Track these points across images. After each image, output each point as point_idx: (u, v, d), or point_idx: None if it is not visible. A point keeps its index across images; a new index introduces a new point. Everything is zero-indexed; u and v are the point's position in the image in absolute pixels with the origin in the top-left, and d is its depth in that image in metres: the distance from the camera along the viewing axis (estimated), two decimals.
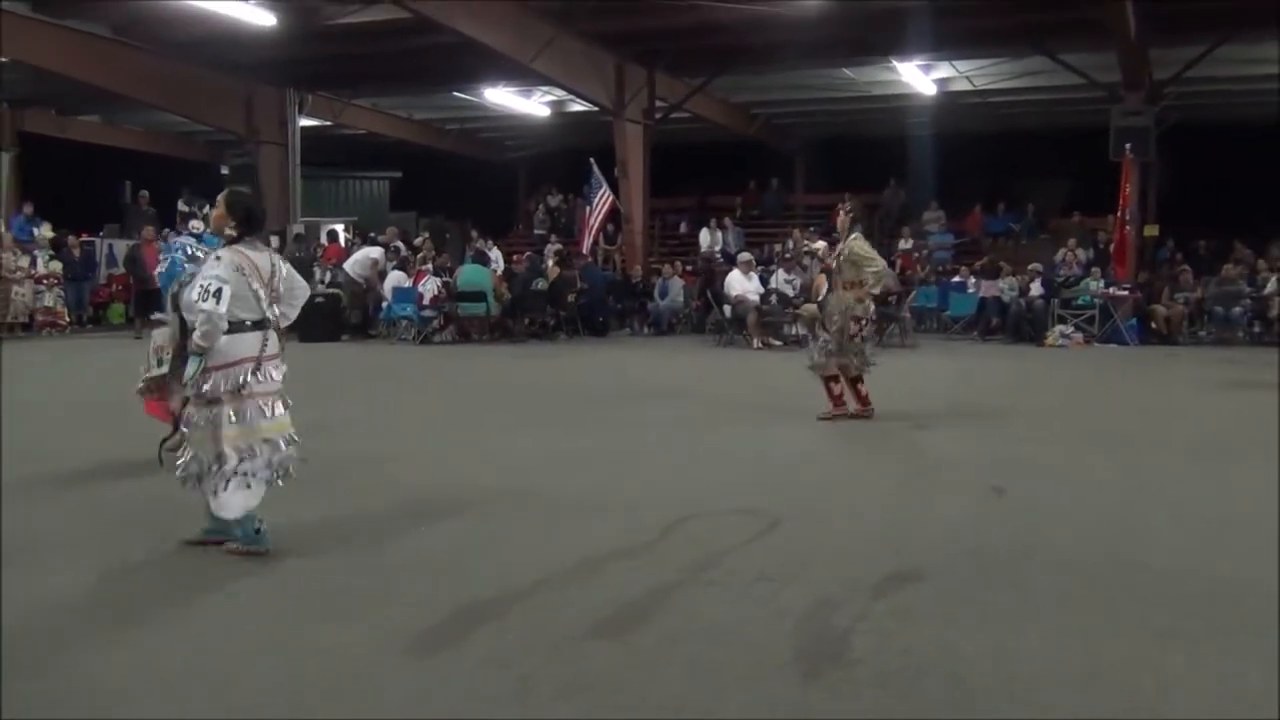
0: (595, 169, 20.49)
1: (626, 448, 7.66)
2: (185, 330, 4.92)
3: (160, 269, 6.59)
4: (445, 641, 3.78)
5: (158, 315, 7.12)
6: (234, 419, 4.72)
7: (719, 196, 26.37)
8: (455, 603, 4.14)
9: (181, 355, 4.89)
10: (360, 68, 20.75)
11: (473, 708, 3.25)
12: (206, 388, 4.70)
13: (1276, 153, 19.93)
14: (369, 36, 17.87)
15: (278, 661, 3.61)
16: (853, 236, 8.49)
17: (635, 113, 20.94)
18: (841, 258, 8.56)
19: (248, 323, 4.77)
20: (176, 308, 5.57)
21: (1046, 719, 3.17)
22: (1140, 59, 17.24)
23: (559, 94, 22.60)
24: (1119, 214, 17.43)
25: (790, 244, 19.74)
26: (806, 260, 15.78)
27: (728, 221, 23.87)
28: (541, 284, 17.98)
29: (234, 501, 4.72)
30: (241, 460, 4.71)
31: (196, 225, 6.52)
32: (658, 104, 21.46)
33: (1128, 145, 16.81)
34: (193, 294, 4.70)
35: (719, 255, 22.00)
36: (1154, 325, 17.12)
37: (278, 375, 4.89)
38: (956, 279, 19.73)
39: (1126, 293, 17.05)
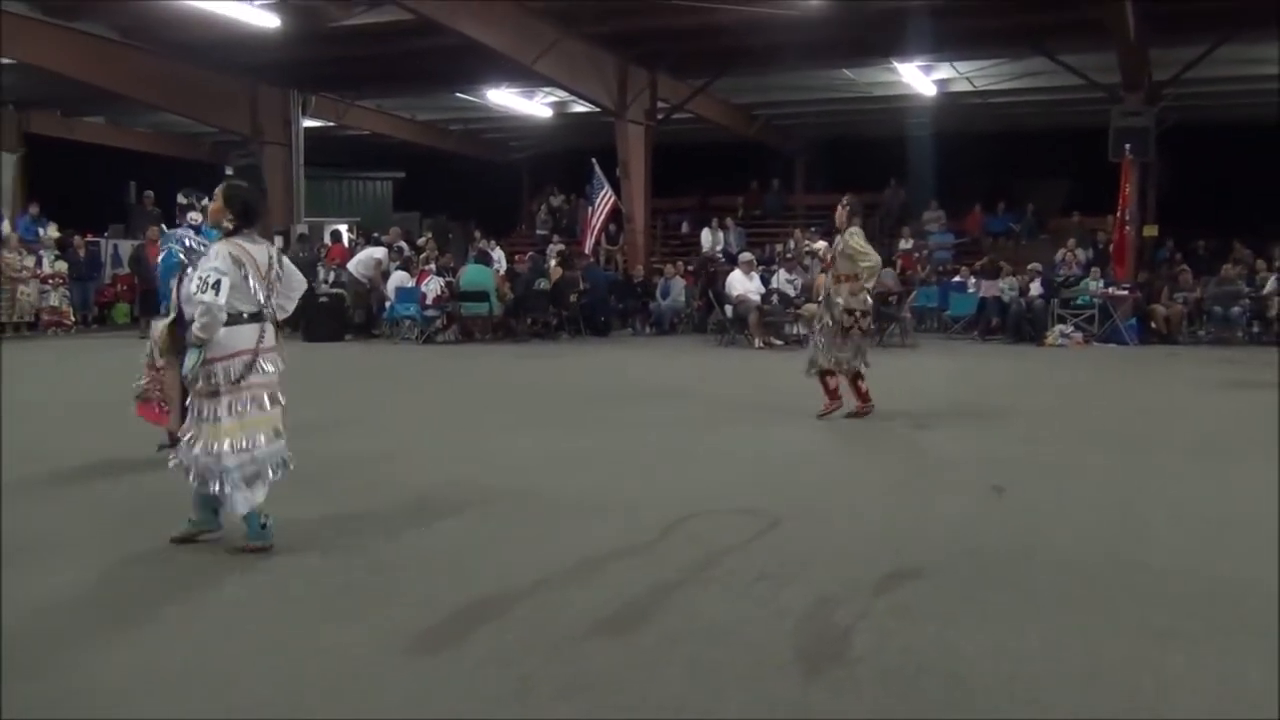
0: (597, 169, 20.54)
1: (627, 447, 7.68)
2: (182, 322, 4.94)
3: (158, 259, 6.63)
4: (445, 641, 3.79)
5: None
6: (231, 411, 4.75)
7: (720, 197, 26.41)
8: (455, 602, 4.15)
9: (180, 347, 4.89)
10: (364, 69, 20.81)
11: (473, 707, 3.25)
12: (205, 379, 4.73)
13: (1276, 153, 19.95)
14: (373, 38, 17.92)
15: (278, 661, 3.61)
16: (850, 231, 8.55)
17: (637, 114, 20.99)
18: (838, 251, 8.64)
19: (245, 315, 4.80)
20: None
21: (1046, 719, 3.18)
22: (1140, 60, 17.26)
23: (561, 95, 22.62)
24: (1118, 214, 17.47)
25: (791, 244, 19.79)
26: (808, 260, 15.84)
27: (729, 222, 23.91)
28: (544, 284, 18.05)
29: (238, 498, 4.76)
30: (238, 453, 4.74)
31: (195, 217, 6.53)
32: (659, 105, 21.50)
33: (1127, 146, 16.83)
34: (191, 286, 4.72)
35: (720, 255, 22.05)
36: (1153, 325, 17.15)
37: (273, 368, 4.93)
38: (957, 279, 19.76)
39: (1126, 292, 17.08)
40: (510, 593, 4.25)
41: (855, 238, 8.52)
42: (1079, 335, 16.75)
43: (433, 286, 17.26)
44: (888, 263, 19.34)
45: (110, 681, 3.45)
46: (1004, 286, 18.27)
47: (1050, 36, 17.64)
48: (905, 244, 22.16)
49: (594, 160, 20.63)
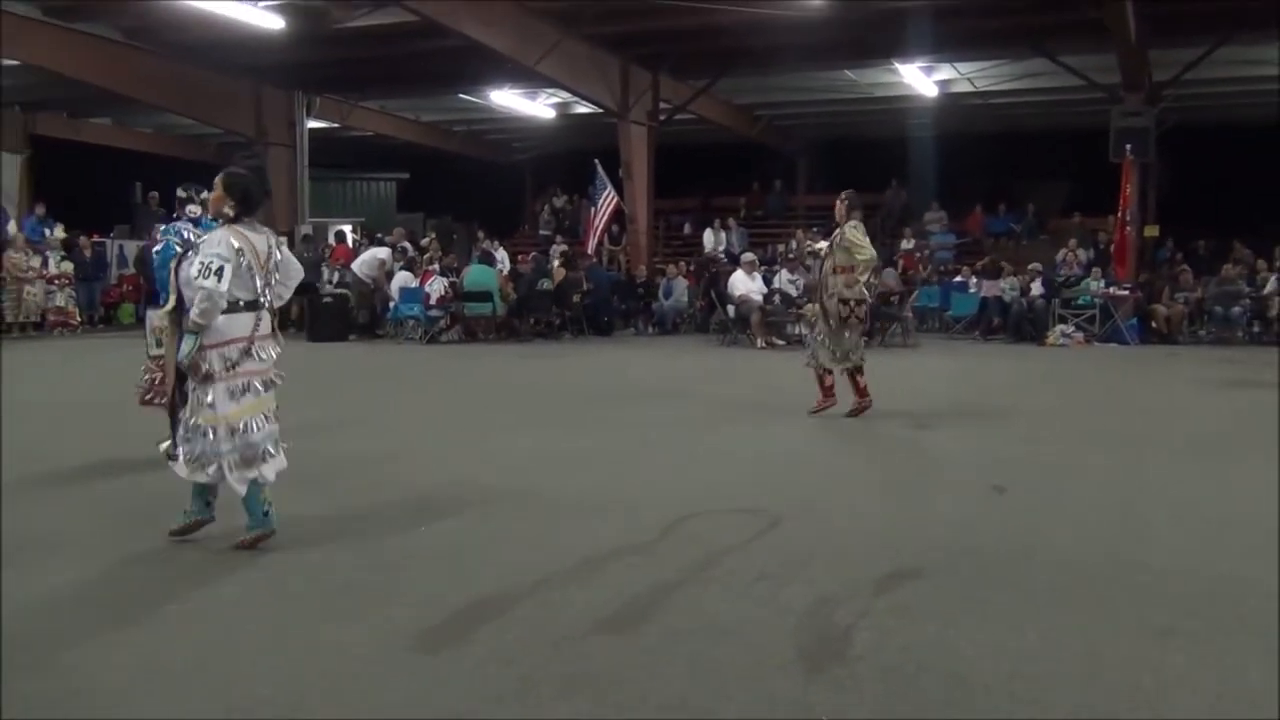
0: (600, 170, 20.58)
1: (629, 447, 7.70)
2: (182, 307, 4.96)
3: (156, 248, 6.68)
4: (446, 640, 3.79)
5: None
6: (226, 397, 4.79)
7: (723, 197, 26.46)
8: (456, 601, 4.15)
9: (177, 332, 4.92)
10: (368, 70, 20.89)
11: (474, 706, 3.25)
12: (201, 365, 4.77)
13: (1276, 153, 19.97)
14: (376, 40, 17.97)
15: (278, 660, 3.61)
16: (849, 224, 8.63)
17: (640, 114, 21.03)
18: (835, 243, 8.71)
19: (242, 303, 4.83)
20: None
21: (1047, 718, 3.19)
22: (1140, 60, 17.28)
23: (564, 96, 22.70)
24: (1119, 214, 17.50)
25: (793, 244, 19.83)
26: (810, 261, 15.87)
27: (731, 222, 23.96)
28: (547, 284, 18.11)
29: (234, 478, 4.80)
30: (233, 437, 4.78)
31: (194, 210, 6.57)
32: (662, 106, 21.53)
33: (1128, 146, 16.86)
34: (192, 270, 4.72)
35: (723, 256, 22.09)
36: (1154, 325, 17.17)
37: (269, 355, 4.96)
38: (958, 279, 19.77)
39: (1127, 292, 17.11)
40: (511, 592, 4.25)
41: (853, 231, 8.59)
42: (1080, 335, 16.78)
43: (436, 287, 17.30)
44: (889, 263, 19.49)
45: (110, 681, 3.45)
46: (1005, 286, 18.30)
47: (1051, 37, 17.67)
48: (907, 244, 22.21)
49: (597, 161, 20.67)
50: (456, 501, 5.86)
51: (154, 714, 3.23)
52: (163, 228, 6.70)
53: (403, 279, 17.91)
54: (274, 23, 16.41)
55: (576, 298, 18.58)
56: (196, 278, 4.66)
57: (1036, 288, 17.86)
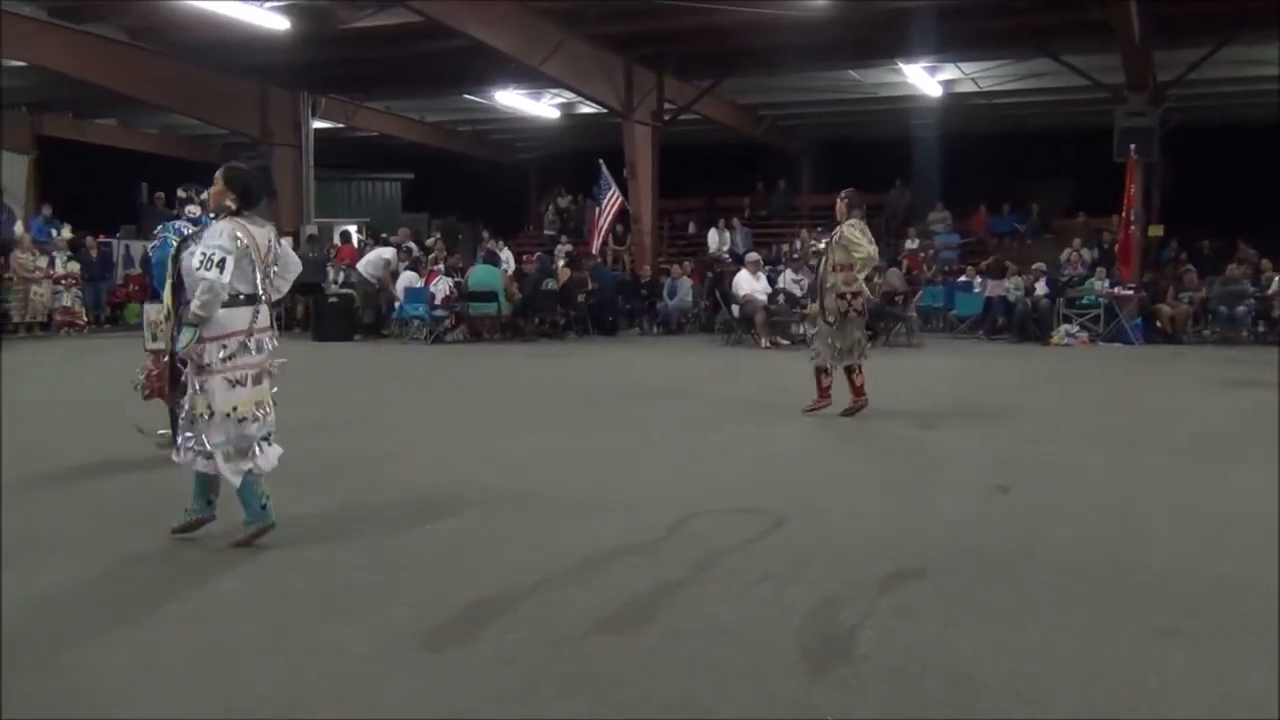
0: (604, 170, 20.62)
1: (632, 447, 7.71)
2: (179, 298, 4.98)
3: (152, 245, 6.70)
4: (448, 640, 3.80)
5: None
6: (222, 389, 4.80)
7: (727, 197, 26.47)
8: (458, 601, 4.16)
9: (176, 324, 4.93)
10: (373, 71, 20.92)
11: (476, 706, 3.26)
12: (198, 357, 4.79)
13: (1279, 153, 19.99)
14: (381, 40, 17.99)
15: (279, 660, 3.62)
16: (848, 222, 8.68)
17: (644, 115, 21.04)
18: (834, 241, 8.75)
19: (241, 296, 4.84)
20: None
21: (1049, 718, 3.20)
22: (1144, 60, 17.26)
23: (569, 96, 22.71)
24: (1124, 214, 17.50)
25: (798, 244, 19.84)
26: (814, 261, 15.88)
27: (736, 222, 23.96)
28: (552, 284, 18.13)
29: (228, 469, 4.82)
30: (227, 429, 4.81)
31: (193, 210, 6.61)
32: (666, 106, 21.55)
33: (1132, 146, 16.85)
34: (194, 260, 4.72)
35: (727, 255, 22.12)
36: (1159, 325, 17.16)
37: (266, 348, 4.97)
38: (962, 279, 19.80)
39: (1131, 292, 17.13)
40: (513, 591, 4.26)
41: (852, 229, 8.63)
42: (1084, 335, 16.78)
43: (441, 287, 17.33)
44: (894, 263, 19.49)
45: (110, 681, 3.46)
46: (1009, 286, 18.30)
47: (1055, 38, 17.66)
48: (911, 244, 22.21)
49: (601, 161, 20.70)
50: (458, 501, 5.88)
51: (154, 714, 3.23)
52: (160, 226, 6.74)
53: (408, 279, 17.94)
54: (279, 23, 16.44)
55: (581, 298, 18.61)
56: (198, 269, 4.67)
57: (1041, 287, 17.85)
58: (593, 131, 24.19)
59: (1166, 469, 7.00)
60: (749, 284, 16.91)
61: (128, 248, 20.85)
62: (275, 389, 5.10)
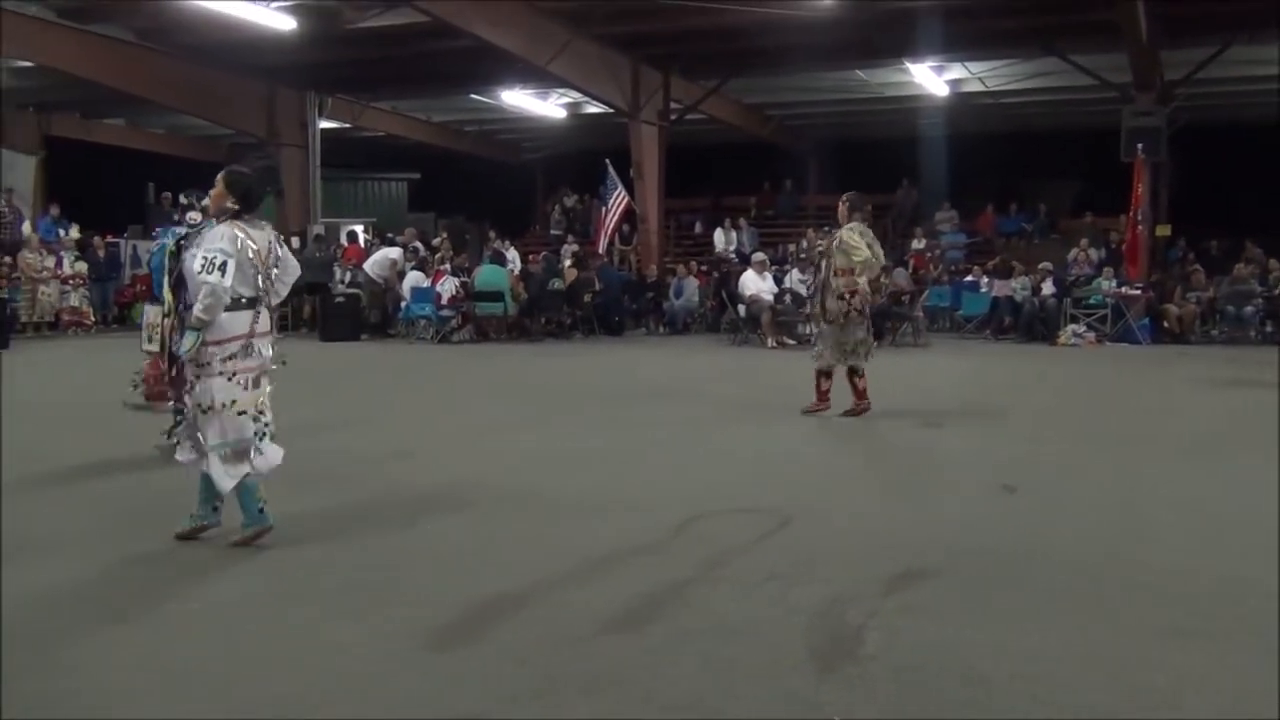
0: (611, 170, 20.64)
1: (638, 447, 7.72)
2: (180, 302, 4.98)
3: (152, 248, 6.70)
4: (457, 639, 3.80)
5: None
6: (223, 392, 4.82)
7: (733, 197, 26.46)
8: (467, 600, 4.16)
9: (179, 329, 4.95)
10: (379, 71, 20.97)
11: (485, 706, 3.25)
12: (200, 361, 4.80)
13: None
14: (388, 40, 18.03)
15: (282, 660, 3.61)
16: (848, 226, 8.71)
17: (650, 114, 21.05)
18: (834, 246, 8.78)
19: (243, 300, 4.85)
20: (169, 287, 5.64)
21: (1058, 718, 3.19)
22: (1151, 60, 17.24)
23: (575, 96, 22.69)
24: (1131, 214, 17.48)
25: (804, 244, 19.84)
26: (819, 259, 15.89)
27: (742, 222, 23.98)
28: (558, 284, 18.16)
29: (222, 472, 4.81)
30: (225, 432, 4.81)
31: (194, 217, 6.63)
32: (673, 106, 21.57)
33: (1139, 145, 16.81)
34: (195, 264, 4.72)
35: (733, 255, 22.12)
36: (1166, 325, 17.14)
37: (266, 352, 4.99)
38: (969, 279, 19.76)
39: (1139, 292, 17.10)
40: (521, 591, 4.26)
41: (850, 233, 8.66)
42: (1092, 335, 16.75)
43: (448, 286, 17.37)
44: (900, 263, 19.48)
45: (111, 681, 3.45)
46: (1016, 286, 18.29)
47: (1062, 37, 17.63)
48: (918, 244, 22.15)
49: (607, 161, 20.73)
50: (465, 501, 5.88)
51: (154, 714, 3.23)
52: (158, 230, 6.76)
53: (414, 279, 17.97)
54: (286, 24, 16.47)
55: (587, 297, 18.63)
56: (200, 273, 4.67)
57: (1048, 287, 17.84)
58: (599, 131, 24.22)
59: (1171, 469, 7.00)
60: (755, 284, 16.92)
61: (135, 248, 20.85)
62: (270, 388, 5.08)
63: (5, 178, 20.63)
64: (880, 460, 7.60)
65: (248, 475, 4.86)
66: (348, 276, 19.31)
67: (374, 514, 5.56)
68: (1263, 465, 6.70)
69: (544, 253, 20.31)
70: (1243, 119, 21.95)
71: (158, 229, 6.86)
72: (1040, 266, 18.44)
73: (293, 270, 5.26)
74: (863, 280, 8.67)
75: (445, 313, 17.33)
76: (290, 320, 19.09)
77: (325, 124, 23.38)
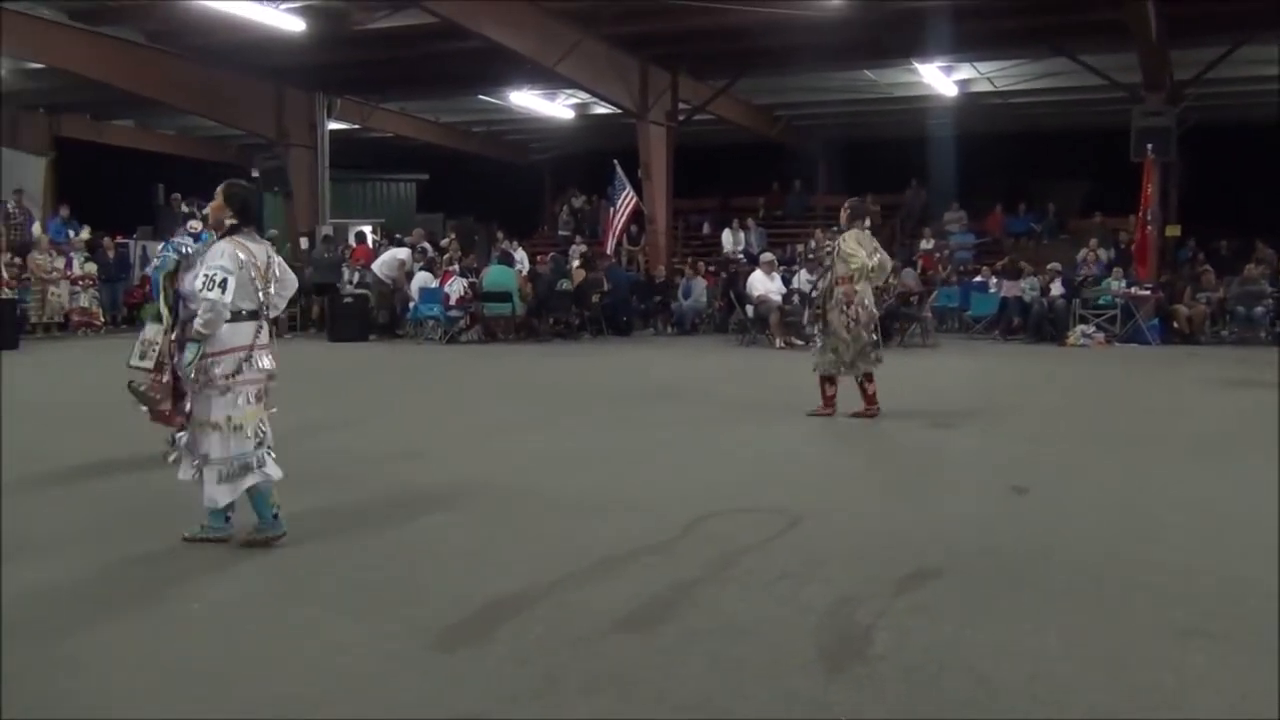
0: (619, 171, 20.65)
1: (646, 447, 7.71)
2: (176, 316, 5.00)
3: (155, 263, 6.70)
4: (463, 639, 3.79)
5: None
6: (224, 406, 4.84)
7: (742, 198, 26.46)
8: (475, 600, 4.15)
9: (179, 342, 4.95)
10: (388, 72, 21.00)
11: (492, 706, 3.25)
12: (201, 374, 4.82)
13: None
14: (397, 41, 18.06)
15: (286, 660, 3.61)
16: (848, 233, 8.73)
17: (658, 115, 21.05)
18: (835, 254, 8.78)
19: (244, 312, 4.89)
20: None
21: (1067, 718, 3.19)
22: (1161, 60, 17.18)
23: (583, 97, 22.74)
24: (1140, 214, 17.44)
25: (812, 244, 19.82)
26: (828, 261, 15.88)
27: (750, 222, 23.97)
28: (566, 284, 18.18)
29: (219, 490, 4.83)
30: (225, 446, 4.82)
31: (195, 225, 6.63)
32: (681, 106, 21.54)
33: (1149, 145, 16.76)
34: (196, 283, 4.77)
35: (741, 256, 22.12)
36: (1176, 325, 17.09)
37: (267, 364, 5.01)
38: (978, 279, 19.76)
39: (1148, 292, 17.07)
40: (529, 591, 4.26)
41: (847, 240, 8.68)
42: (1101, 335, 16.72)
43: (456, 287, 17.37)
44: (909, 263, 19.47)
45: (111, 680, 3.46)
46: (1025, 286, 18.25)
47: (1071, 37, 17.58)
48: (926, 244, 22.18)
49: (615, 161, 20.73)
50: (474, 500, 5.90)
51: (154, 714, 3.23)
52: (162, 244, 6.76)
53: (422, 279, 18.00)
54: (295, 25, 16.50)
55: (595, 298, 18.64)
56: (200, 290, 4.72)
57: (1057, 288, 17.80)
58: (607, 132, 24.22)
59: (1179, 470, 6.99)
60: (763, 284, 16.92)
61: (144, 249, 20.94)
62: (273, 410, 5.10)
63: (15, 179, 20.68)
64: (888, 461, 7.59)
65: (258, 484, 4.88)
66: (356, 277, 19.36)
67: (377, 513, 5.57)
68: (1270, 466, 6.67)
69: (552, 253, 20.34)
70: (1253, 119, 21.87)
71: (163, 241, 6.87)
72: (1049, 267, 18.40)
73: (290, 284, 5.31)
74: (861, 287, 8.66)
75: (453, 313, 17.34)
76: (299, 321, 19.17)
77: (334, 125, 23.43)
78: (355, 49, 18.88)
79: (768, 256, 18.17)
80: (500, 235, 21.54)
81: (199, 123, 24.57)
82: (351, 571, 4.58)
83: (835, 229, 9.43)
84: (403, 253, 19.18)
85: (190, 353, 4.82)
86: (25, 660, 3.57)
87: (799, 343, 15.96)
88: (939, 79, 20.73)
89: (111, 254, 19.59)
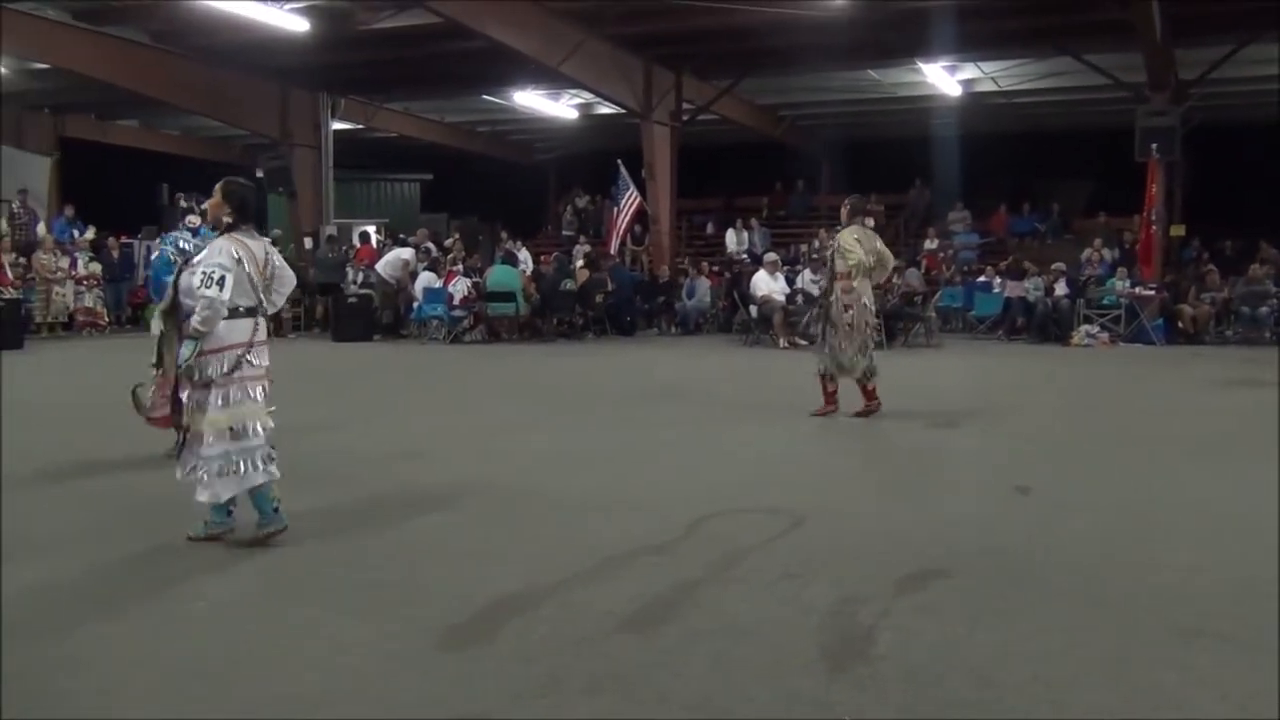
0: (623, 171, 20.67)
1: (649, 447, 7.71)
2: (178, 309, 5.02)
3: (152, 256, 6.70)
4: (468, 638, 3.79)
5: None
6: (222, 402, 4.84)
7: (746, 197, 26.46)
8: (477, 600, 4.15)
9: (177, 339, 4.98)
10: (392, 72, 21.03)
11: (495, 704, 3.24)
12: (199, 371, 4.82)
13: None
14: (401, 41, 18.06)
15: (286, 660, 3.61)
16: (847, 230, 8.74)
17: (662, 115, 21.04)
18: (834, 251, 8.78)
19: (242, 309, 4.91)
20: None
21: (1069, 718, 3.18)
22: (1166, 59, 17.14)
23: (587, 97, 22.75)
24: (1145, 214, 17.42)
25: (816, 244, 19.82)
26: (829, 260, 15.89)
27: (754, 222, 23.99)
28: (570, 284, 18.18)
29: (216, 485, 4.83)
30: (222, 443, 4.82)
31: (193, 220, 6.62)
32: (685, 106, 21.57)
33: (1153, 145, 16.72)
34: (194, 280, 4.79)
35: (745, 256, 22.11)
36: (1180, 325, 17.07)
37: (264, 361, 5.03)
38: (982, 279, 19.71)
39: (1152, 292, 17.04)
40: (532, 590, 4.26)
41: (845, 236, 8.69)
42: (1105, 335, 16.69)
43: (460, 287, 17.41)
44: (913, 263, 19.45)
45: (111, 680, 3.45)
46: (1029, 287, 18.24)
47: (1076, 37, 17.57)
48: (930, 244, 22.15)
49: (619, 161, 20.76)
50: (478, 500, 5.89)
51: (154, 714, 3.22)
52: (159, 236, 6.76)
53: (426, 279, 18.02)
54: (299, 25, 16.52)
55: (599, 298, 18.64)
56: (199, 287, 4.74)
57: (1061, 288, 17.79)
58: (611, 132, 24.24)
59: (1181, 470, 6.97)
60: (767, 284, 16.92)
61: (149, 248, 20.91)
62: (273, 420, 5.09)
63: (20, 179, 20.71)
64: (891, 461, 7.59)
65: (260, 483, 4.89)
66: (360, 277, 19.38)
67: (379, 513, 5.56)
68: (1271, 466, 6.64)
69: (556, 253, 20.37)
70: (1258, 119, 21.82)
71: (160, 237, 6.87)
72: (1053, 267, 18.38)
73: (289, 281, 5.32)
74: (860, 284, 8.65)
75: (457, 313, 17.37)
76: (303, 321, 19.18)
77: (338, 125, 23.44)
78: (359, 49, 18.90)
79: (771, 256, 18.18)
80: (504, 235, 21.56)
81: (203, 123, 24.62)
82: (353, 571, 4.58)
83: (838, 229, 9.41)
84: (407, 253, 19.21)
85: (187, 349, 4.83)
86: (25, 660, 3.56)
87: (803, 343, 15.96)
88: (943, 79, 20.72)
89: (116, 254, 19.65)
